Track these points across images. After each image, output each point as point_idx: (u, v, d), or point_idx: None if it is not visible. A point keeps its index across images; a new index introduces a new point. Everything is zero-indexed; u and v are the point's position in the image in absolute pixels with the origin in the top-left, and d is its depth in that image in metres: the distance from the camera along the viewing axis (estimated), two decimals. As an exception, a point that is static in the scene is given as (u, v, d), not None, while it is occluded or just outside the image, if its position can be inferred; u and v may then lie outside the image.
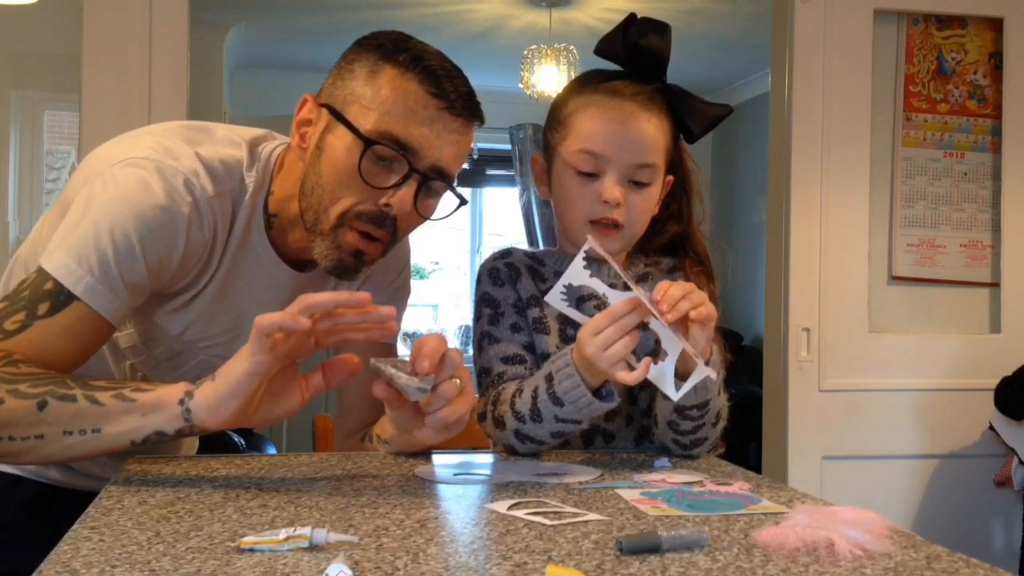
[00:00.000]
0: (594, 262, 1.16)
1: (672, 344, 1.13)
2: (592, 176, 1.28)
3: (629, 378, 1.11)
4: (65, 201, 1.21)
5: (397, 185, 1.15)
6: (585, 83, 1.33)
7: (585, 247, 1.14)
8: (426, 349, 1.07)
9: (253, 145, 1.26)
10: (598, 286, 1.15)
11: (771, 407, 3.06)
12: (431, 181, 1.18)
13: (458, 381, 1.11)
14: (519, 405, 1.21)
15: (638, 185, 1.29)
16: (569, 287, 1.15)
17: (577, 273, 1.14)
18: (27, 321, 1.08)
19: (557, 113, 1.34)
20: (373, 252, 1.20)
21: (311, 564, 0.72)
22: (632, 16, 1.31)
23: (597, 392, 1.16)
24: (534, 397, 1.19)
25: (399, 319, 1.46)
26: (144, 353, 1.27)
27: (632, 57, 1.30)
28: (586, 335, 1.13)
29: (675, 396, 1.13)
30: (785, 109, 2.99)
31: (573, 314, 1.18)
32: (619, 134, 1.27)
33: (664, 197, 1.36)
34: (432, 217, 1.23)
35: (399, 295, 1.45)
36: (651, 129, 1.28)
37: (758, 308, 3.30)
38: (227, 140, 1.24)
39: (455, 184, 1.22)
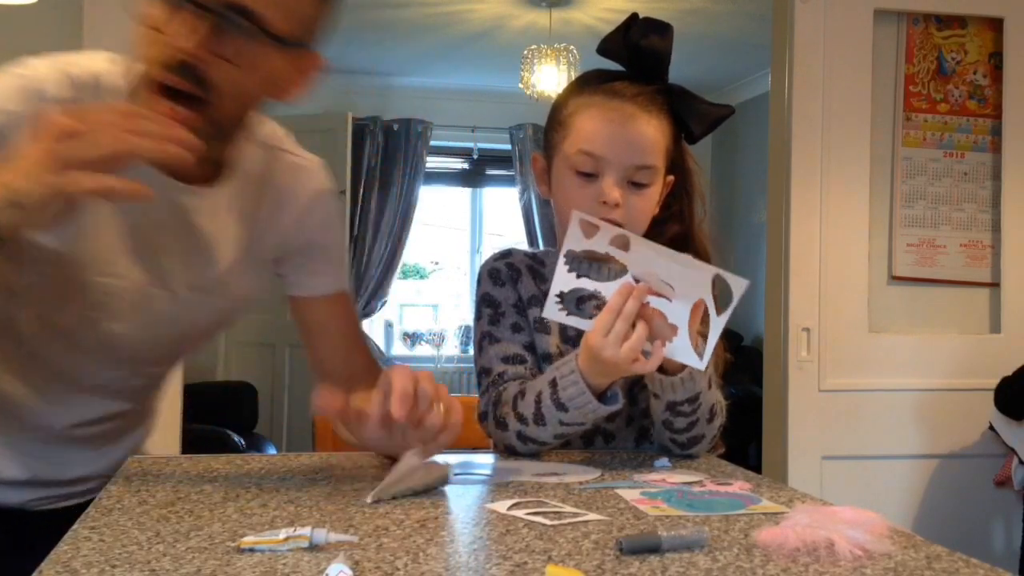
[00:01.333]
0: (577, 262, 1.15)
1: (679, 316, 1.12)
2: (591, 177, 1.28)
3: (647, 366, 1.12)
4: None
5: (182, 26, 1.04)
6: (586, 83, 1.33)
7: (575, 221, 1.13)
8: (395, 396, 0.99)
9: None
10: (588, 284, 1.14)
11: (771, 407, 3.06)
12: (229, 20, 1.04)
13: (441, 406, 1.04)
14: (522, 408, 1.21)
15: (637, 186, 1.28)
16: (562, 295, 1.15)
17: (563, 279, 1.14)
18: None
19: (558, 113, 1.34)
20: (189, 117, 1.03)
21: (311, 564, 0.72)
22: (634, 16, 1.31)
23: (602, 395, 1.17)
24: (538, 402, 1.19)
25: (344, 273, 1.32)
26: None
27: (633, 57, 1.30)
28: (597, 338, 1.12)
29: (701, 364, 1.13)
30: (785, 109, 2.99)
31: (574, 322, 1.18)
32: (618, 135, 1.26)
33: (665, 198, 1.36)
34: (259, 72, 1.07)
35: (321, 235, 1.27)
36: (650, 130, 1.28)
37: (758, 308, 3.30)
38: (105, 59, 1.18)
39: (267, 29, 1.05)
